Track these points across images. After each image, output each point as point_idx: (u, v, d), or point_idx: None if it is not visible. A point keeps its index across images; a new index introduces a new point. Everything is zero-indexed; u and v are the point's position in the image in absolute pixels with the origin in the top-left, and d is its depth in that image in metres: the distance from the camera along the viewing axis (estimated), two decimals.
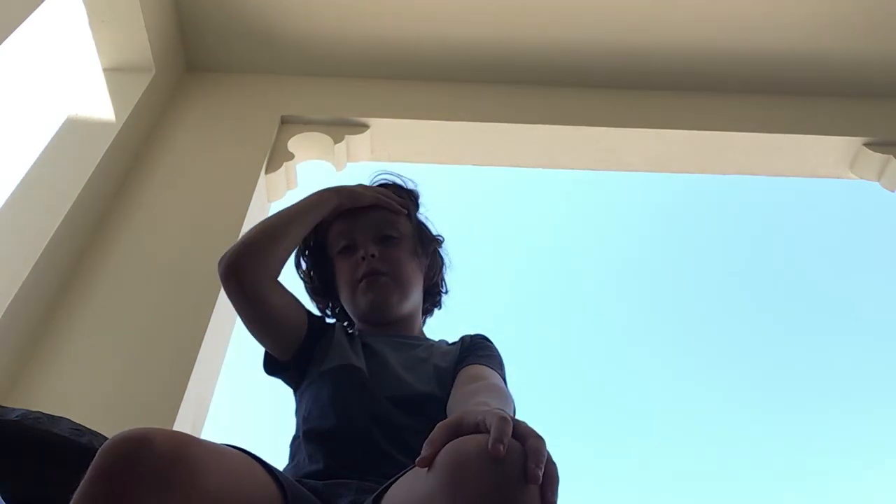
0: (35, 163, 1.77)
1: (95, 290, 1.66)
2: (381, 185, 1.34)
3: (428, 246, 1.30)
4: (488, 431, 0.60)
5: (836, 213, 3.00)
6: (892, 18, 2.11)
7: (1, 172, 1.76)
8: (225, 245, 1.17)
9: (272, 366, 1.19)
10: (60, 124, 1.88)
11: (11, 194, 1.69)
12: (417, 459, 0.62)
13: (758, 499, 2.64)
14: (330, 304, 1.31)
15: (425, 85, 2.24)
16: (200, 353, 1.55)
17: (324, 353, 1.14)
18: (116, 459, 0.63)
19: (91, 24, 1.96)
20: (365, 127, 2.13)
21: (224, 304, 1.58)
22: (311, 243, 1.31)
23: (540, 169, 2.31)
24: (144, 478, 0.62)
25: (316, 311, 1.28)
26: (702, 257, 3.09)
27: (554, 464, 0.61)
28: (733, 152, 2.22)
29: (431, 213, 1.37)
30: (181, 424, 1.44)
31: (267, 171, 1.99)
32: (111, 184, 1.85)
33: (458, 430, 0.63)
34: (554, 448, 0.62)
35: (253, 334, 1.17)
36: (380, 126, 2.15)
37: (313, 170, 2.15)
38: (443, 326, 1.35)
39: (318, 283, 1.31)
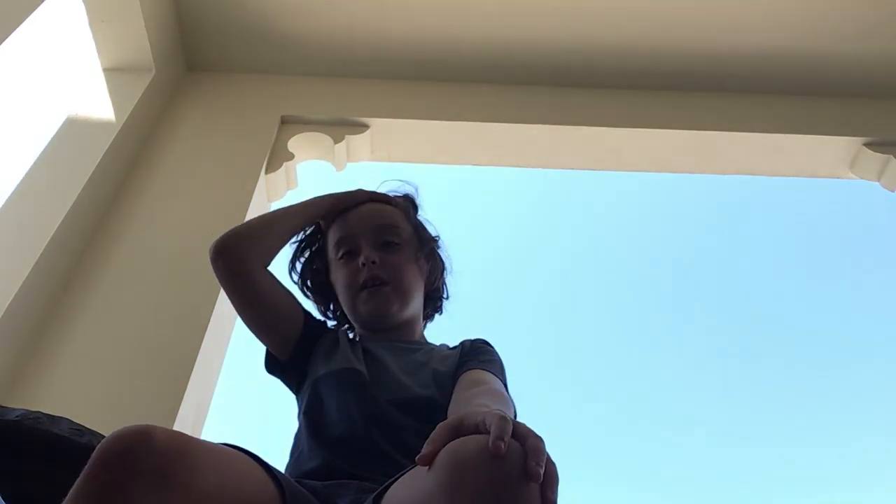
0: (35, 163, 1.77)
1: (95, 290, 1.66)
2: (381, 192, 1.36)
3: (429, 251, 1.31)
4: (488, 432, 0.61)
5: (836, 213, 3.01)
6: (892, 18, 2.11)
7: (1, 172, 1.76)
8: None
9: (272, 364, 1.20)
10: (60, 124, 1.88)
11: (11, 194, 1.69)
12: (417, 457, 0.62)
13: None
14: (331, 307, 1.32)
15: (425, 85, 2.24)
16: (200, 353, 1.55)
17: (324, 355, 1.15)
18: (116, 452, 0.63)
19: (91, 24, 1.96)
20: (365, 127, 2.13)
21: (224, 305, 1.58)
22: (312, 246, 1.33)
23: (540, 169, 2.31)
24: (143, 473, 0.62)
25: (316, 313, 1.29)
26: (702, 257, 3.09)
27: (553, 464, 0.61)
28: (733, 152, 2.22)
29: (431, 214, 1.38)
30: (181, 424, 1.44)
31: (267, 171, 1.99)
32: (111, 184, 1.85)
33: (459, 431, 0.64)
34: (553, 449, 0.62)
35: (247, 324, 1.19)
36: (380, 126, 2.15)
37: (313, 170, 2.15)
38: (442, 327, 1.36)
39: (317, 286, 1.32)
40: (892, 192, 2.13)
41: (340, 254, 1.25)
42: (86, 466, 0.63)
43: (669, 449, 2.75)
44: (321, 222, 1.32)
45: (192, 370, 1.51)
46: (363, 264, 1.21)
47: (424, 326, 1.32)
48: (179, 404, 1.45)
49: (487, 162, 2.28)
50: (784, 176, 2.31)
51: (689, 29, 2.16)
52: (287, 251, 1.31)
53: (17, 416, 0.94)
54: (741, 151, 2.22)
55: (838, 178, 2.26)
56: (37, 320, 1.56)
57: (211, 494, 0.66)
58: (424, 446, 0.63)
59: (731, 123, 2.19)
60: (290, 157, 2.05)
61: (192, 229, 1.79)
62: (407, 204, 1.34)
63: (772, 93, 2.26)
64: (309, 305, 1.30)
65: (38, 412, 0.96)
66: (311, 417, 1.07)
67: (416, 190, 1.38)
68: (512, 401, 1.03)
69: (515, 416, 0.99)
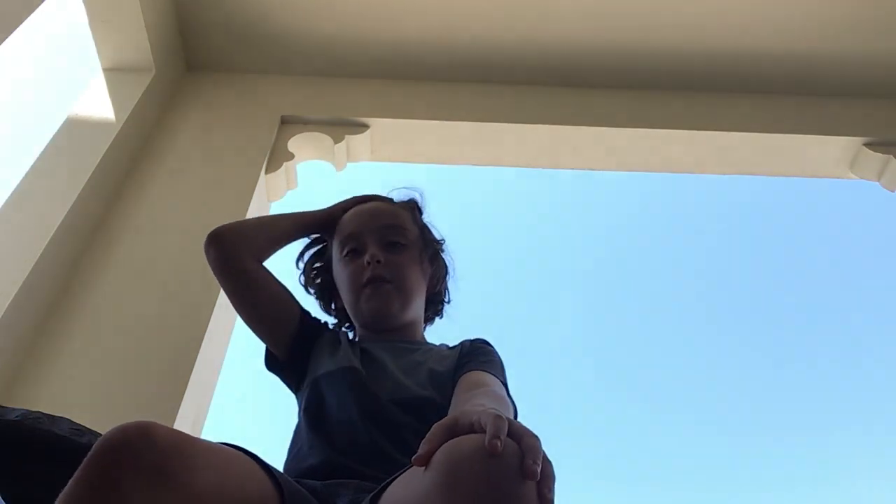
0: (35, 163, 1.77)
1: (95, 290, 1.66)
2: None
3: (433, 254, 1.31)
4: (484, 431, 0.61)
5: (836, 213, 3.01)
6: (892, 18, 2.11)
7: (1, 172, 1.77)
8: None
9: (272, 362, 1.21)
10: (60, 124, 1.88)
11: (11, 194, 1.69)
12: (413, 457, 0.62)
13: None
14: (333, 305, 1.33)
15: (425, 85, 2.24)
16: (200, 353, 1.55)
17: (325, 354, 1.16)
18: (116, 446, 0.63)
19: (91, 24, 1.96)
20: (365, 127, 2.13)
21: (224, 305, 1.58)
22: (318, 242, 1.34)
23: (540, 169, 2.31)
24: (142, 469, 0.62)
25: (315, 314, 1.29)
26: (701, 257, 3.09)
27: (550, 462, 0.61)
28: (733, 152, 2.22)
29: (431, 214, 1.38)
30: (181, 424, 1.44)
31: (267, 171, 1.99)
32: (111, 184, 1.85)
33: (454, 430, 0.64)
34: (552, 450, 0.62)
35: (243, 318, 1.20)
36: (380, 126, 2.15)
37: (313, 170, 2.16)
38: (443, 327, 1.36)
39: (320, 282, 1.33)
40: (892, 192, 2.13)
41: (346, 251, 1.26)
42: (85, 458, 0.63)
43: (669, 449, 2.75)
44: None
45: (192, 370, 1.51)
46: (368, 262, 1.21)
47: (424, 329, 1.32)
48: (179, 404, 1.45)
49: (487, 162, 2.28)
50: (784, 176, 2.30)
51: (689, 29, 2.16)
52: (293, 248, 1.32)
53: (17, 416, 0.94)
54: (741, 151, 2.21)
55: (838, 178, 2.26)
56: (37, 320, 1.56)
57: (210, 493, 0.66)
58: (420, 446, 0.62)
59: (731, 123, 2.19)
60: (290, 157, 2.05)
61: (192, 229, 1.79)
62: (413, 206, 1.35)
63: (772, 93, 2.26)
64: (309, 304, 1.31)
65: (38, 412, 0.96)
66: (311, 415, 1.08)
67: (422, 195, 1.39)
68: (512, 401, 1.03)
69: (516, 417, 0.99)
